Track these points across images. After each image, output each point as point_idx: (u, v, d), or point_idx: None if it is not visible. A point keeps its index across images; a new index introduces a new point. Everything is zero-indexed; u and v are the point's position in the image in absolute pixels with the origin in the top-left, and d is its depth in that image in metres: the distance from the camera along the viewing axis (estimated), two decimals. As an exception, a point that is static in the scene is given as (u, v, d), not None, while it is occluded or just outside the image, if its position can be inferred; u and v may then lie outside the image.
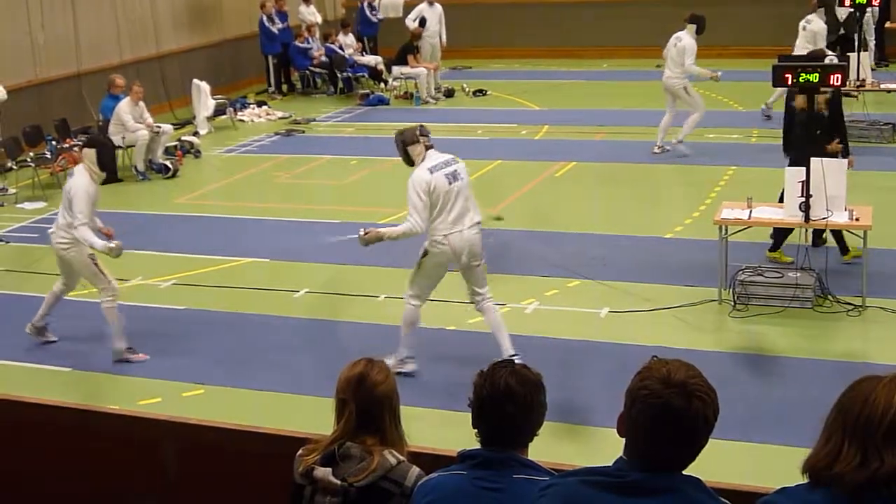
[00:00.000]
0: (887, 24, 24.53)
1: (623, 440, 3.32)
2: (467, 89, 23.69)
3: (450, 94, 23.52)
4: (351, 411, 4.13)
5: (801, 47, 18.43)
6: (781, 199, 11.03)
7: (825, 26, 19.19)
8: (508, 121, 20.53)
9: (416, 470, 4.09)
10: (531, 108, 21.96)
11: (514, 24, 28.13)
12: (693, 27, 16.60)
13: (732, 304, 10.70)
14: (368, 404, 4.13)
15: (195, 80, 20.80)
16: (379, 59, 24.63)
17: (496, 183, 16.16)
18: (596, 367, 9.47)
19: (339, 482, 4.05)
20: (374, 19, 26.27)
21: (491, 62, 27.04)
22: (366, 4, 26.22)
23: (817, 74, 10.28)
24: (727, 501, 3.33)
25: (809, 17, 19.31)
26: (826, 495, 3.03)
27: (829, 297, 10.72)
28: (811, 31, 18.94)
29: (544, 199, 15.35)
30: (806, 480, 3.10)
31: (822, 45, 17.96)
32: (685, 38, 16.55)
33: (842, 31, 21.49)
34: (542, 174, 16.55)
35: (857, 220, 10.60)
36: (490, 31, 28.14)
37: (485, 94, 23.41)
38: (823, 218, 10.56)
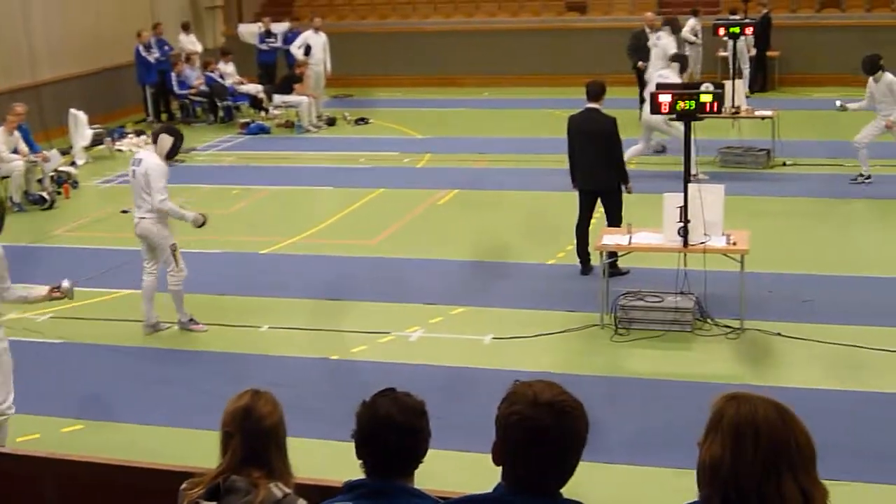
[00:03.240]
0: (769, 53, 25.25)
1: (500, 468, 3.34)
2: (349, 118, 23.67)
3: (332, 122, 23.48)
4: (237, 444, 4.06)
5: (654, 65, 19.08)
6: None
7: (674, 41, 19.74)
8: (391, 149, 20.55)
9: (302, 503, 4.03)
10: (413, 136, 22.03)
11: (396, 53, 28.28)
12: (676, 66, 17.05)
13: (614, 328, 10.82)
14: (255, 437, 4.06)
15: (72, 110, 20.41)
16: (259, 87, 24.48)
17: (379, 211, 16.16)
18: (480, 393, 9.46)
19: None
20: (265, 48, 26.08)
21: (373, 91, 27.07)
22: (262, 32, 26.08)
23: (693, 102, 10.49)
24: None
25: (659, 33, 19.83)
26: None
27: (708, 320, 10.92)
28: (662, 48, 19.45)
29: (427, 227, 15.38)
30: None
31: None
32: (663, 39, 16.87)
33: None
34: (425, 202, 16.59)
35: (734, 244, 10.81)
36: (371, 60, 28.22)
37: (367, 123, 23.43)
38: (701, 242, 10.76)
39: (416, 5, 30.09)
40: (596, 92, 12.52)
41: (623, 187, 12.43)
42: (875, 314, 11.10)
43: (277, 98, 23.03)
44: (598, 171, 12.35)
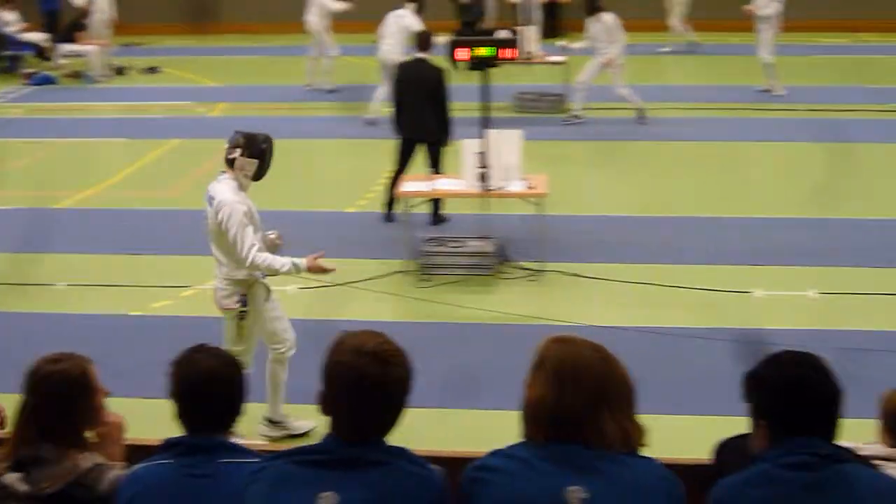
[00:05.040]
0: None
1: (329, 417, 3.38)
2: (137, 66, 23.01)
3: (121, 71, 22.77)
4: (42, 410, 3.87)
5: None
6: None
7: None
8: (183, 98, 20.10)
9: (113, 472, 3.85)
10: (206, 84, 21.62)
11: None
12: (414, 6, 16.76)
13: (419, 274, 10.94)
14: (62, 402, 3.88)
15: None
16: (44, 35, 23.54)
17: (175, 162, 15.86)
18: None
19: (26, 488, 3.77)
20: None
21: (163, 38, 26.38)
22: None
23: (492, 48, 10.62)
24: (438, 468, 3.43)
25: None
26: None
27: (509, 263, 11.14)
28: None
29: (226, 178, 15.14)
30: None
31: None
32: (407, 17, 16.63)
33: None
34: (221, 151, 16.23)
35: (532, 188, 11.03)
36: (160, 6, 27.47)
37: (157, 72, 22.83)
38: (500, 187, 10.94)
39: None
40: (424, 41, 12.57)
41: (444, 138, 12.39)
42: (665, 252, 11.54)
43: (64, 47, 22.20)
44: (425, 120, 12.29)
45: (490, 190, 10.94)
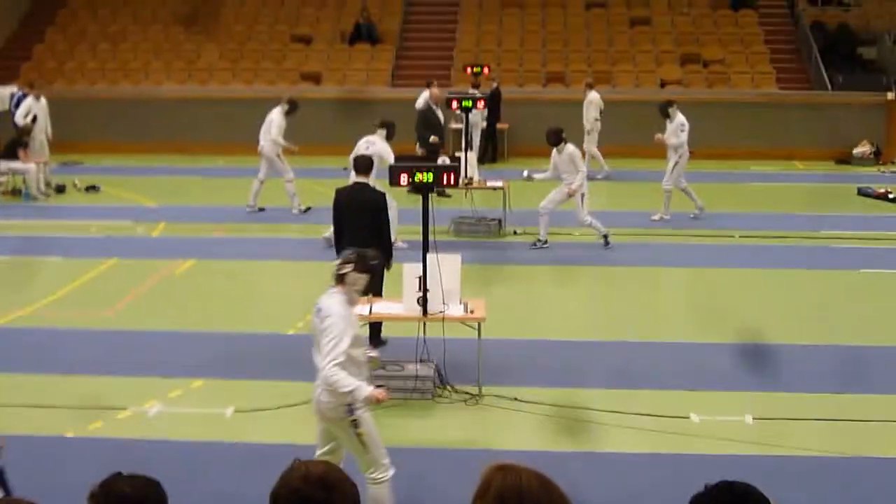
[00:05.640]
0: (498, 125, 26.18)
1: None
2: (79, 185, 23.02)
3: (61, 189, 22.77)
4: None
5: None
6: None
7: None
8: (123, 217, 20.08)
9: None
10: (146, 204, 21.63)
11: (127, 119, 27.87)
12: (383, 132, 16.99)
13: (357, 398, 10.88)
14: None
15: None
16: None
17: (113, 282, 15.78)
18: (224, 468, 9.36)
19: None
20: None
21: (103, 157, 26.44)
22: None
23: (431, 174, 10.77)
24: None
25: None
26: None
27: (448, 387, 11.14)
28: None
29: (165, 298, 15.10)
30: None
31: None
32: (378, 143, 16.81)
33: None
34: (161, 272, 16.29)
35: (471, 312, 11.10)
36: (102, 126, 27.66)
37: (98, 190, 22.84)
38: (440, 311, 10.99)
39: (149, 72, 29.67)
40: (364, 166, 12.68)
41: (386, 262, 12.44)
42: (609, 377, 11.61)
43: (2, 164, 22.16)
44: (366, 244, 12.28)
45: (429, 314, 10.99)
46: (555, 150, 17.25)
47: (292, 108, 20.34)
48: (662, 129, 19.56)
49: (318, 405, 7.81)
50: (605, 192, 22.87)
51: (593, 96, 24.49)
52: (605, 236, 17.47)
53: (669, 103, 19.74)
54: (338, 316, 7.70)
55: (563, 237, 17.97)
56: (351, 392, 7.58)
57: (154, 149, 27.20)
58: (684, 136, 19.29)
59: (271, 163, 20.08)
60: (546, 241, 17.51)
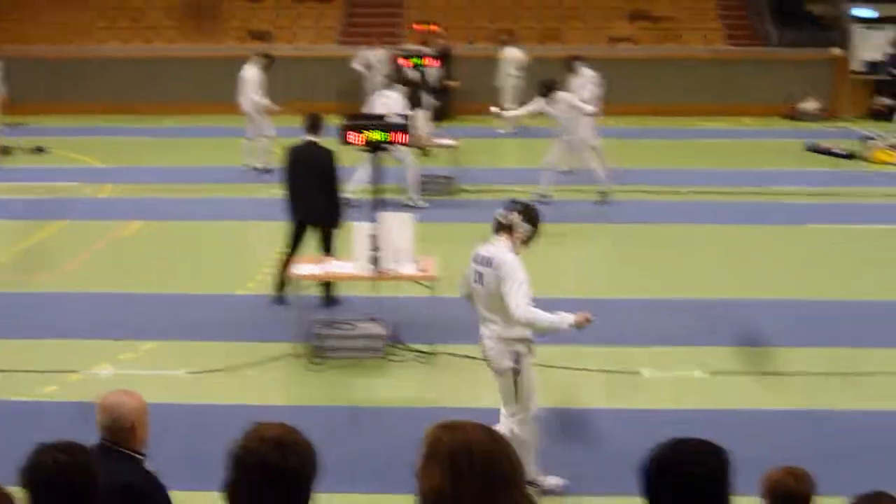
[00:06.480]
0: (449, 83, 26.06)
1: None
2: (24, 146, 22.68)
3: (6, 151, 22.42)
4: None
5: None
6: None
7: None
8: (70, 179, 19.83)
9: None
10: (94, 165, 21.39)
11: (73, 79, 27.46)
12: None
13: (310, 357, 10.88)
14: None
15: None
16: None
17: (61, 244, 15.62)
18: (179, 429, 9.31)
19: None
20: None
21: (48, 118, 26.06)
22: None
23: (384, 133, 10.73)
24: None
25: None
26: None
27: (400, 345, 11.15)
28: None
29: (113, 261, 14.97)
30: None
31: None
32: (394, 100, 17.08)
33: None
34: (108, 234, 16.14)
35: (423, 270, 11.09)
36: (46, 86, 27.26)
37: (44, 152, 22.53)
38: (392, 269, 10.98)
39: (94, 31, 29.26)
40: (315, 124, 12.56)
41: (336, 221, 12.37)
42: (558, 334, 11.64)
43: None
44: (317, 203, 12.29)
45: (381, 272, 10.97)
46: (545, 103, 17.02)
47: (269, 63, 20.03)
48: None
49: (485, 353, 8.14)
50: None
51: (510, 52, 24.49)
52: (604, 193, 17.43)
53: (576, 58, 20.02)
54: (514, 261, 7.85)
55: (505, 194, 17.86)
56: (553, 323, 7.73)
57: (100, 109, 26.83)
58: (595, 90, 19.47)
59: (253, 120, 19.81)
60: (547, 197, 16.87)
